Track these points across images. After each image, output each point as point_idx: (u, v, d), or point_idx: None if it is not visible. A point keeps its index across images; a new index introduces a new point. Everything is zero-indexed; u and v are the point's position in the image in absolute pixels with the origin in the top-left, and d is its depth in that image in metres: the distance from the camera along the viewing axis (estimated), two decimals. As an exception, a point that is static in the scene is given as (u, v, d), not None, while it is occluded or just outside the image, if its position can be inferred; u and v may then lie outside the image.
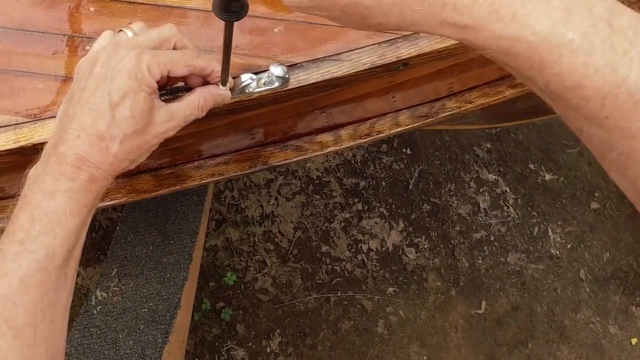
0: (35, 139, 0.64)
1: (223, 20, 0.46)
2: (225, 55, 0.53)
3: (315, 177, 1.61)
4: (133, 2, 0.75)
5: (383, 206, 1.76)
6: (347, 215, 1.74)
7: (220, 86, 0.61)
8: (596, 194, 1.74)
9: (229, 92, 0.58)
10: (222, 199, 1.57)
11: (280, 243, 1.69)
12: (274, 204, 1.58)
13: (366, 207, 1.76)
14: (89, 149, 0.46)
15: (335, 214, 1.74)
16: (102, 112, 0.46)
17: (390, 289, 1.67)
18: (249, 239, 1.67)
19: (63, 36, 0.72)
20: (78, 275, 1.34)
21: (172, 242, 1.15)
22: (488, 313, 1.67)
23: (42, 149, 0.56)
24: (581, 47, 0.28)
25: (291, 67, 0.66)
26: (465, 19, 0.29)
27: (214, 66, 0.57)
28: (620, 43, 0.28)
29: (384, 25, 0.32)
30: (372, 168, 1.63)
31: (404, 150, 1.67)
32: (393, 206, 1.78)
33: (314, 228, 1.73)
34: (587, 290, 1.71)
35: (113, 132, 0.46)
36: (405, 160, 1.66)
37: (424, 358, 1.59)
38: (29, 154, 0.62)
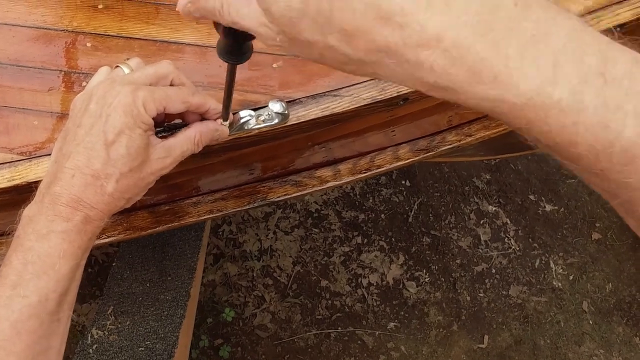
0: (31, 177, 0.63)
1: (227, 62, 0.47)
2: (227, 94, 0.53)
3: (314, 211, 1.61)
4: (130, 38, 0.75)
5: (383, 239, 1.75)
6: (347, 249, 1.73)
7: (221, 122, 0.61)
8: (597, 224, 1.74)
9: (227, 128, 0.57)
10: (220, 233, 1.56)
11: (279, 278, 1.68)
12: (272, 238, 1.57)
13: (366, 241, 1.75)
14: (84, 189, 0.45)
15: (334, 247, 1.73)
16: (98, 151, 0.46)
17: (392, 324, 1.65)
18: (247, 273, 1.67)
19: (59, 72, 0.72)
20: (74, 311, 1.34)
21: (169, 278, 1.14)
22: (491, 347, 1.65)
23: (37, 187, 0.54)
24: (570, 106, 0.26)
25: (290, 103, 0.66)
26: (443, 81, 0.27)
27: (211, 104, 0.56)
28: (614, 96, 0.26)
29: (363, 74, 0.31)
30: (371, 201, 1.63)
31: (403, 182, 1.67)
32: (393, 239, 1.77)
33: (313, 262, 1.72)
34: (590, 322, 1.69)
35: (108, 170, 0.46)
36: (404, 193, 1.66)
37: None
38: (24, 192, 0.62)
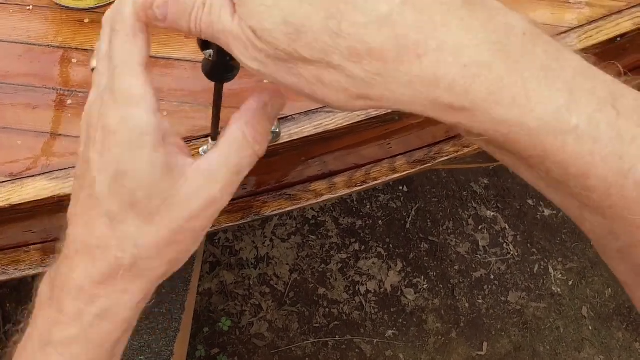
0: (14, 199, 0.62)
1: (212, 81, 0.44)
2: (215, 112, 0.51)
3: (310, 217, 1.61)
4: None
5: (380, 246, 1.74)
6: (344, 256, 1.72)
7: (210, 141, 0.60)
8: (596, 229, 1.72)
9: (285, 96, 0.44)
10: (216, 241, 1.57)
11: (276, 286, 1.67)
12: (269, 245, 1.57)
13: (363, 247, 1.74)
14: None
15: (331, 254, 1.72)
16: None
17: (390, 332, 1.63)
18: (244, 282, 1.66)
19: (44, 89, 0.70)
20: None
21: (163, 291, 1.12)
22: (490, 355, 1.64)
23: (22, 210, 0.54)
24: (587, 134, 0.26)
25: (282, 119, 0.65)
26: (461, 101, 0.26)
27: None
28: (628, 128, 0.26)
29: (365, 98, 0.28)
30: (368, 207, 1.63)
31: (401, 187, 1.67)
32: (390, 246, 1.75)
33: (310, 270, 1.71)
34: (590, 328, 1.67)
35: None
36: (402, 198, 1.65)
37: None
38: (8, 215, 0.63)
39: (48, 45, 0.73)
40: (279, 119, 0.63)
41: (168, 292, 1.15)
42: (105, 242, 0.31)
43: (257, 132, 0.32)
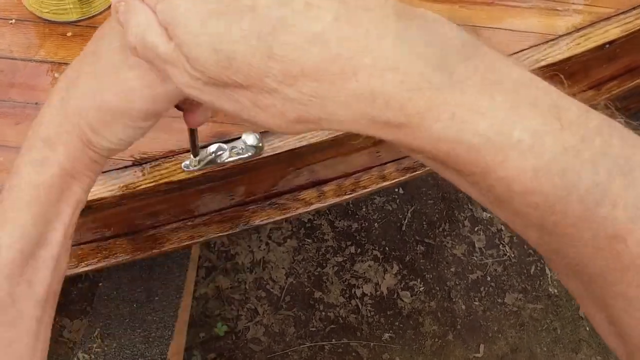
0: None
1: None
2: (190, 134, 0.51)
3: (306, 221, 1.59)
4: None
5: (376, 249, 1.71)
6: (340, 259, 1.69)
7: (192, 157, 0.59)
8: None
9: None
10: (212, 246, 1.55)
11: (272, 290, 1.64)
12: (264, 249, 1.55)
13: (359, 250, 1.71)
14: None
15: (327, 258, 1.69)
16: None
17: (386, 335, 1.61)
18: (239, 286, 1.63)
19: (26, 104, 0.69)
20: (64, 327, 1.26)
21: (156, 298, 1.13)
22: (487, 357, 1.61)
23: None
24: (530, 149, 0.25)
25: (264, 133, 0.64)
26: (398, 117, 0.25)
27: None
28: (571, 142, 0.25)
29: (304, 122, 0.27)
30: (364, 209, 1.61)
31: (396, 189, 1.65)
32: (386, 248, 1.72)
33: (306, 273, 1.68)
34: (587, 328, 1.64)
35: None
36: (397, 200, 1.63)
37: None
38: None
39: (31, 60, 0.73)
40: (261, 132, 0.62)
41: (161, 300, 1.14)
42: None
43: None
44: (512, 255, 1.73)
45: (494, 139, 0.25)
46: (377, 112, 0.25)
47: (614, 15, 0.81)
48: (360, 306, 1.63)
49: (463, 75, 0.25)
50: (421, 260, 1.71)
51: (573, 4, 0.83)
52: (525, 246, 1.75)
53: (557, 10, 0.82)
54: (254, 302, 1.60)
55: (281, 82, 0.25)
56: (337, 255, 1.68)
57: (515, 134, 0.25)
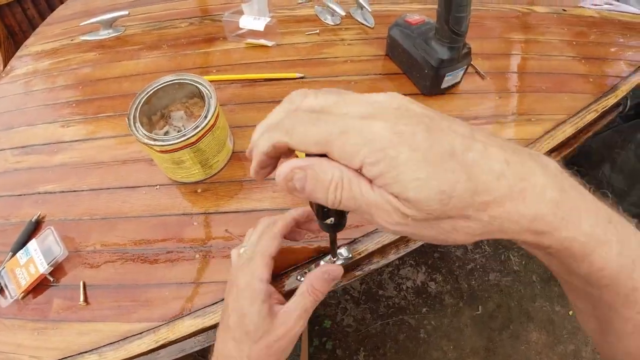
0: (171, 337, 0.63)
1: (329, 233, 0.46)
2: (332, 243, 0.53)
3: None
4: (224, 212, 0.74)
5: (411, 259, 1.97)
6: (391, 269, 1.95)
7: (331, 258, 0.60)
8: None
9: (340, 267, 0.50)
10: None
11: (353, 294, 1.89)
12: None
13: (401, 262, 1.98)
14: None
15: (383, 269, 1.92)
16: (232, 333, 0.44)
17: (424, 309, 1.85)
18: (334, 295, 1.87)
19: (177, 249, 0.71)
20: None
21: None
22: (484, 312, 1.82)
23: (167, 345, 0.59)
24: (610, 244, 0.28)
25: (352, 243, 0.66)
26: (545, 228, 0.27)
27: (294, 213, 0.50)
28: (628, 239, 0.29)
29: (481, 235, 0.28)
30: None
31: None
32: (416, 257, 1.97)
33: (372, 280, 1.92)
34: (539, 287, 1.84)
35: (241, 347, 0.42)
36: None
37: (451, 347, 1.72)
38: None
39: (174, 214, 0.75)
40: (348, 243, 0.65)
41: None
42: (231, 354, 0.41)
43: (315, 288, 0.44)
44: (490, 250, 1.98)
45: (594, 237, 0.28)
46: (535, 226, 0.27)
47: (568, 119, 0.86)
48: (406, 295, 1.88)
49: (571, 195, 0.28)
50: (438, 262, 1.95)
51: (540, 114, 0.87)
52: (496, 244, 1.97)
53: (531, 120, 0.86)
54: (344, 302, 1.86)
55: (478, 210, 0.26)
56: (389, 267, 1.95)
57: (607, 236, 0.28)
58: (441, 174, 0.26)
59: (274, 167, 0.33)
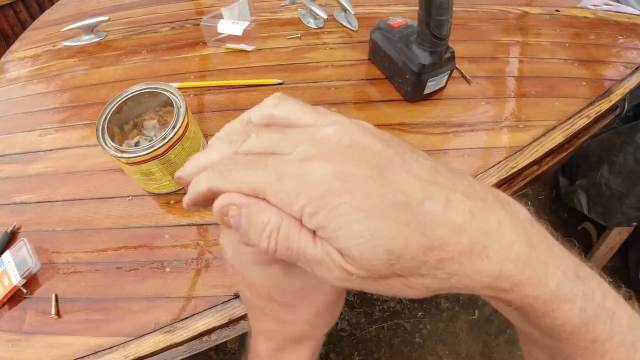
0: (140, 352, 0.64)
1: None
2: None
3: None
4: (194, 225, 0.75)
5: None
6: None
7: None
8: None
9: None
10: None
11: (348, 298, 1.90)
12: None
13: None
14: None
15: None
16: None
17: (419, 313, 1.86)
18: None
19: (148, 263, 0.72)
20: None
21: None
22: (480, 316, 1.83)
23: None
24: (574, 299, 0.27)
25: None
26: (509, 285, 0.26)
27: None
28: (592, 295, 0.28)
29: (439, 290, 0.26)
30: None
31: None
32: None
33: None
34: None
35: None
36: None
37: (447, 352, 1.73)
38: None
39: (145, 226, 0.75)
40: None
41: None
42: (271, 327, 0.36)
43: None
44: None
45: (558, 294, 0.27)
46: (498, 284, 0.26)
47: (558, 125, 0.86)
48: (401, 299, 1.85)
49: (540, 249, 0.26)
50: None
51: (529, 120, 0.86)
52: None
53: (519, 127, 0.86)
54: None
55: (434, 267, 0.24)
56: None
57: (572, 291, 0.27)
58: (390, 231, 0.23)
59: (211, 203, 0.29)
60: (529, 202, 2.23)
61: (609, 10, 1.17)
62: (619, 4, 1.23)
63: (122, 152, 0.73)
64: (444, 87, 0.94)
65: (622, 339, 0.29)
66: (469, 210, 0.25)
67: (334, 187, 0.23)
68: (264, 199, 0.25)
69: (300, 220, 0.24)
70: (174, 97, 0.78)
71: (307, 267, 0.25)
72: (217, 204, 0.27)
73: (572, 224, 2.06)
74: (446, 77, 0.92)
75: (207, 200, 0.29)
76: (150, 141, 0.80)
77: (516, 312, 0.29)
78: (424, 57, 0.86)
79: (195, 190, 0.28)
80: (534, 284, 0.27)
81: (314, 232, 0.25)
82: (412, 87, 0.91)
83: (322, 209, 0.23)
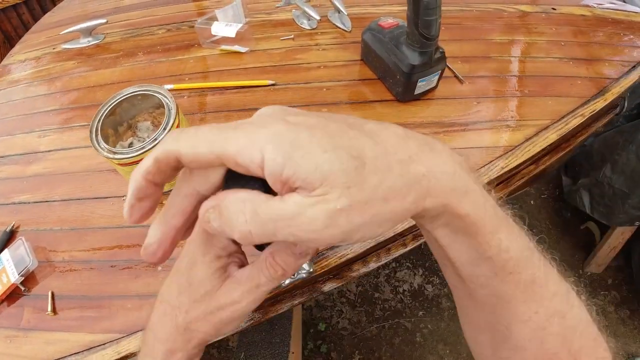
0: (132, 349, 0.64)
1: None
2: None
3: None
4: None
5: (408, 262, 1.99)
6: (387, 272, 1.97)
7: None
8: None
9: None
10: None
11: (349, 296, 1.91)
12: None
13: (398, 264, 2.00)
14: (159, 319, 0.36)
15: (379, 272, 1.96)
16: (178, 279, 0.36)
17: (420, 312, 1.86)
18: (330, 298, 1.91)
19: (141, 261, 0.73)
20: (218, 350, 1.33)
21: (276, 327, 1.34)
22: None
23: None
24: (480, 204, 0.30)
25: (314, 257, 0.63)
26: (462, 185, 0.29)
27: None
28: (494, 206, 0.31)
29: (417, 203, 0.28)
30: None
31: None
32: (414, 260, 1.99)
33: (368, 283, 1.94)
34: None
35: (180, 299, 0.35)
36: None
37: (447, 351, 1.74)
38: None
39: (138, 226, 0.74)
40: (311, 260, 0.64)
41: (279, 328, 1.32)
42: (171, 301, 0.35)
43: (277, 261, 0.32)
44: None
45: (500, 218, 0.30)
46: (455, 182, 0.28)
47: (551, 124, 0.86)
48: (402, 298, 1.88)
49: (474, 182, 0.30)
50: (435, 264, 1.94)
51: (522, 119, 0.86)
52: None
53: (511, 126, 0.86)
54: (339, 305, 1.87)
55: (401, 164, 0.27)
56: (385, 269, 1.97)
57: (510, 221, 0.31)
58: (346, 142, 0.26)
59: (155, 201, 0.30)
60: (532, 201, 2.22)
61: (608, 9, 1.16)
62: (624, 4, 1.22)
63: (115, 153, 0.74)
64: (435, 87, 0.94)
65: (557, 289, 0.32)
66: (403, 132, 0.29)
67: (287, 128, 0.26)
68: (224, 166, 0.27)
69: (261, 170, 0.26)
70: (165, 99, 0.79)
71: (289, 234, 0.26)
72: (199, 213, 0.28)
73: (575, 224, 2.05)
74: (437, 77, 0.92)
75: (153, 194, 0.30)
76: (142, 142, 0.80)
77: (466, 237, 0.30)
78: (413, 58, 0.86)
79: (140, 171, 0.29)
80: (483, 193, 0.30)
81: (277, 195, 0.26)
82: (403, 88, 0.91)
83: (283, 143, 0.25)
